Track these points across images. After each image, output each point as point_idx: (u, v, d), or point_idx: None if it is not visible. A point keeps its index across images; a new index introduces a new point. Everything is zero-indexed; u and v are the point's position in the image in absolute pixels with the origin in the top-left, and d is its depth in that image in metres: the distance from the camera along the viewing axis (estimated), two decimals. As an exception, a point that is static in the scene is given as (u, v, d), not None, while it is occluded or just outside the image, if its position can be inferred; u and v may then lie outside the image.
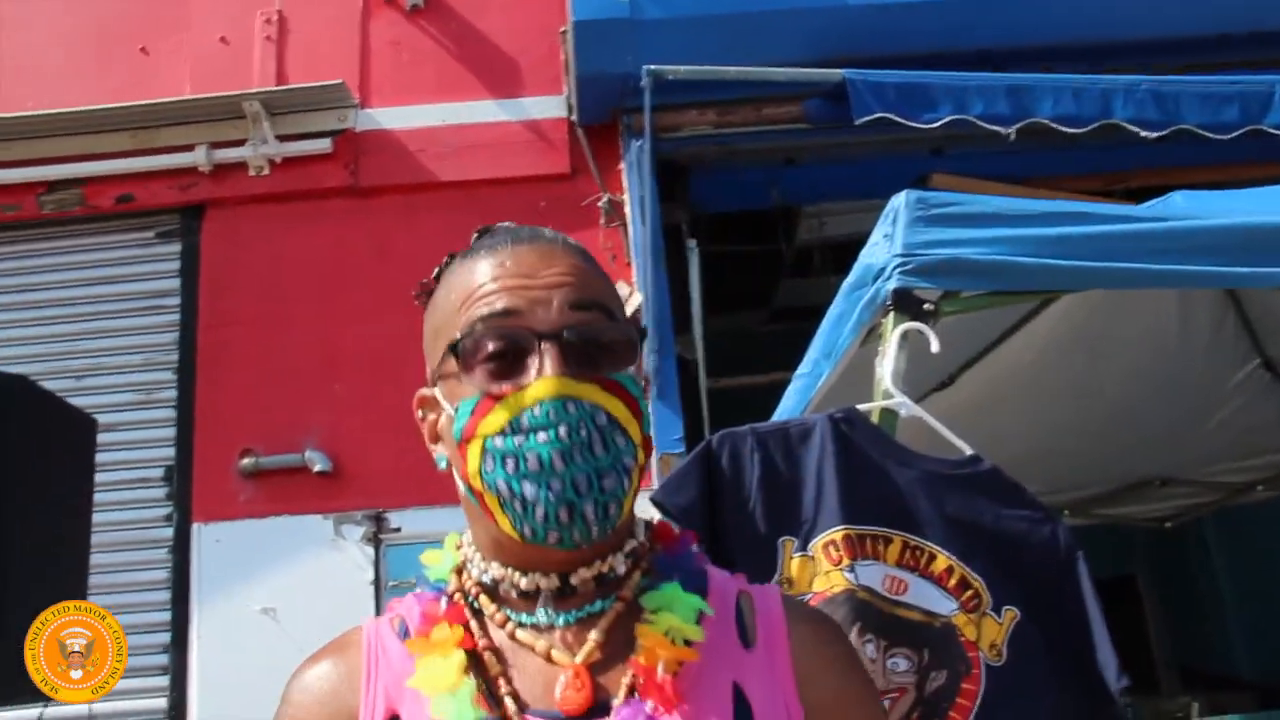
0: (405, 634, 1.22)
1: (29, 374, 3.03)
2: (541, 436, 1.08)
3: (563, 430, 1.08)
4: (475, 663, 1.16)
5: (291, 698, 1.23)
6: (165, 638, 5.51)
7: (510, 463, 1.09)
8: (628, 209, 5.75)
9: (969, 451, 2.18)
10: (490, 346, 1.12)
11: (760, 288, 7.92)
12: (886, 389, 2.21)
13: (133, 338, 5.95)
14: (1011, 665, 2.04)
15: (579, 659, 1.14)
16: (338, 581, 5.44)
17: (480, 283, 1.16)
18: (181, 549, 5.60)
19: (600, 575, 1.19)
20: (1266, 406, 4.50)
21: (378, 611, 5.33)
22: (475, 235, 1.27)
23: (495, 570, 1.20)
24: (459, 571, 1.26)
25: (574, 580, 1.17)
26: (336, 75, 5.99)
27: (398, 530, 5.52)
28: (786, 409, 3.13)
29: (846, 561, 1.99)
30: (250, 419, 5.70)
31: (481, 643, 1.18)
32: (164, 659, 5.48)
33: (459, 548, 1.27)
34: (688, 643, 1.15)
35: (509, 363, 1.12)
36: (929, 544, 2.08)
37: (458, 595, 1.23)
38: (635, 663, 1.13)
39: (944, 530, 2.09)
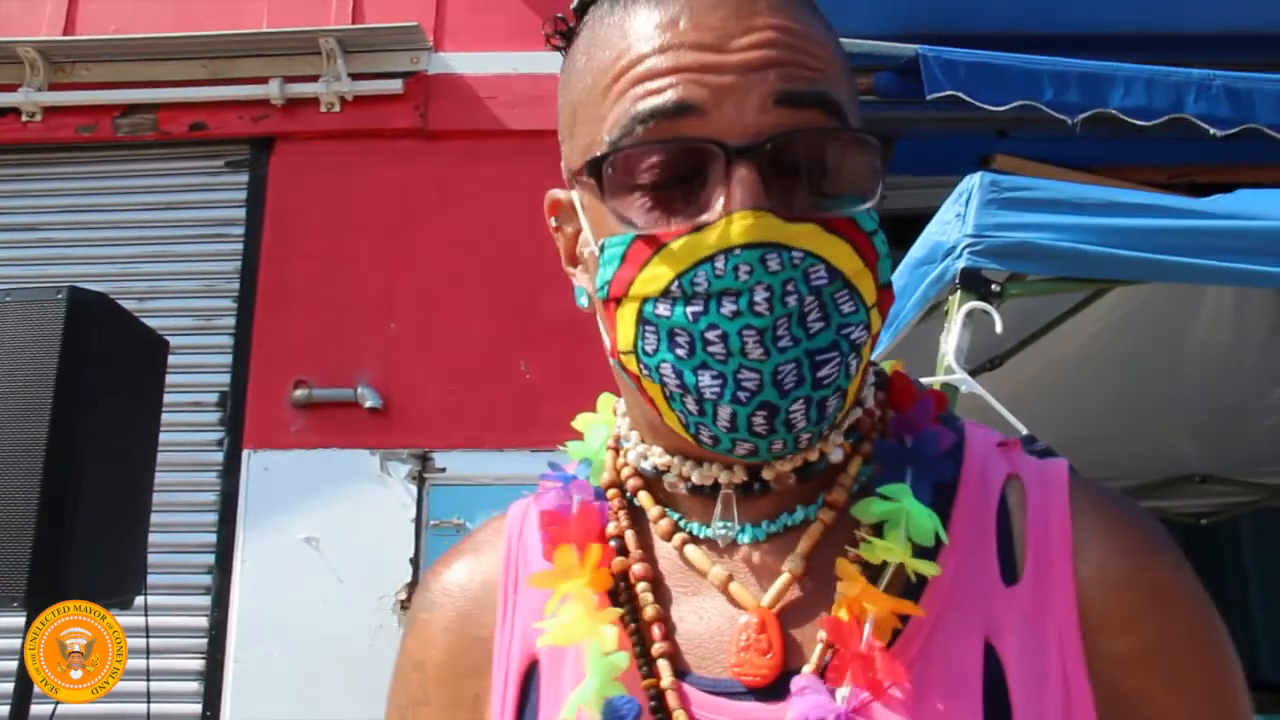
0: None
1: (93, 293, 3.12)
2: (729, 307, 0.73)
3: (760, 297, 0.73)
4: (626, 595, 0.84)
5: (417, 615, 0.96)
6: (210, 559, 5.66)
7: (683, 342, 0.75)
8: (691, 169, 5.77)
9: (1024, 431, 2.23)
10: (654, 167, 0.76)
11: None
12: (949, 365, 2.26)
13: (196, 264, 6.08)
14: None
15: (766, 601, 0.80)
16: (380, 517, 5.56)
17: (641, 51, 0.78)
18: (231, 474, 5.74)
19: (806, 464, 0.82)
20: (1316, 412, 4.50)
21: (416, 551, 5.47)
22: None
23: (657, 456, 0.86)
24: (615, 450, 0.92)
25: (767, 474, 0.82)
26: (412, 17, 6.05)
27: (442, 470, 5.62)
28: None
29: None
30: (306, 351, 5.81)
31: (637, 568, 0.85)
32: (208, 579, 5.64)
33: (616, 414, 0.94)
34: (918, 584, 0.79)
35: (679, 190, 0.76)
36: None
37: (613, 489, 0.90)
38: (831, 621, 0.77)
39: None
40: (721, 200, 0.74)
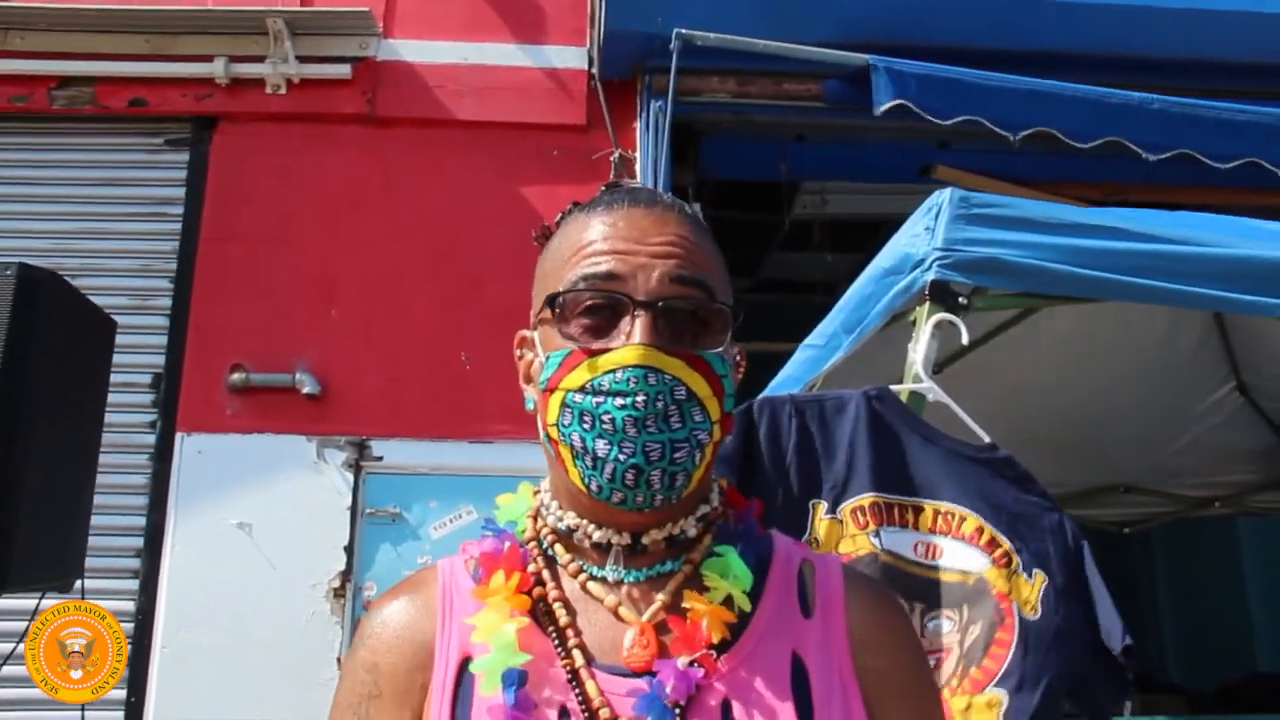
0: (478, 576, 1.25)
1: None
2: (618, 402, 1.11)
3: (640, 399, 1.11)
4: (545, 611, 1.20)
5: (369, 632, 1.25)
6: (139, 542, 5.54)
7: (587, 420, 1.13)
8: (638, 166, 5.80)
9: (986, 438, 2.30)
10: (586, 306, 1.16)
11: (747, 257, 8.02)
12: (917, 373, 2.32)
13: (132, 242, 5.95)
14: (1045, 619, 2.18)
15: (645, 618, 1.17)
16: (315, 504, 5.51)
17: (590, 240, 1.19)
18: (163, 457, 5.63)
19: (671, 536, 1.21)
20: (1237, 427, 4.67)
21: (350, 539, 5.43)
22: (602, 189, 1.29)
23: (571, 519, 1.23)
24: (534, 517, 1.29)
25: (645, 539, 1.20)
26: (362, 2, 5.98)
27: (379, 459, 5.59)
28: (793, 377, 3.24)
29: (873, 526, 2.12)
30: (244, 335, 5.73)
31: (553, 592, 1.21)
32: (136, 563, 5.52)
33: (536, 494, 1.31)
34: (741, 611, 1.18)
35: (602, 323, 1.15)
36: (959, 508, 2.20)
37: (532, 543, 1.26)
38: (679, 622, 1.15)
39: (972, 499, 2.21)
40: (625, 334, 1.13)
